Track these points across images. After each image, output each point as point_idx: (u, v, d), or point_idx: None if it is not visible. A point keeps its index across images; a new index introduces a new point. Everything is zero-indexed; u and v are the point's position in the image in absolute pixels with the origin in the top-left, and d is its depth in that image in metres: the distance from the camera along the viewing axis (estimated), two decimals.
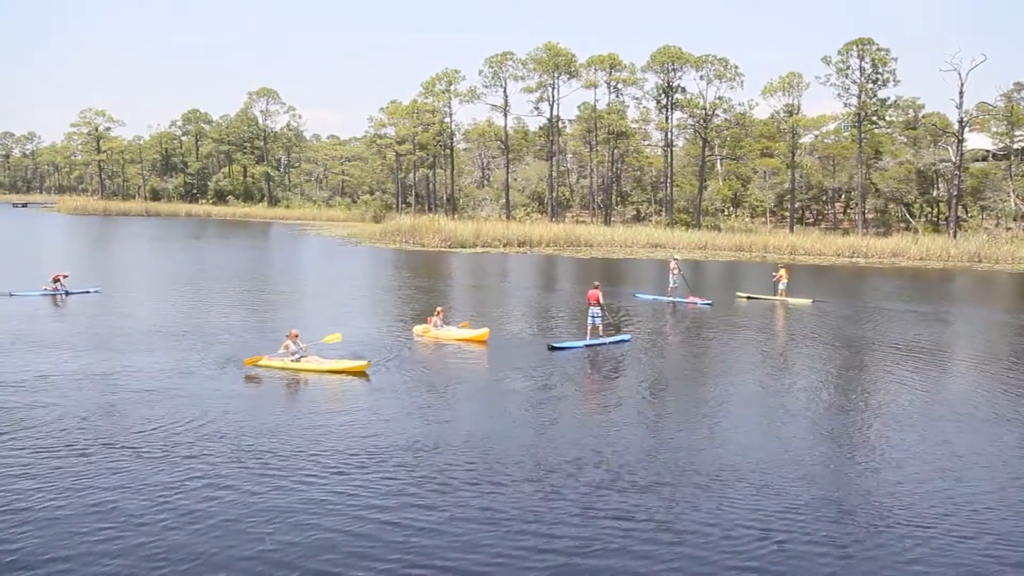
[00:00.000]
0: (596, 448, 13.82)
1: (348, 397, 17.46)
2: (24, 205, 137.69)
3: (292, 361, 19.49)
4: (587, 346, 23.00)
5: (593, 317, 23.55)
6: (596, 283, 24.64)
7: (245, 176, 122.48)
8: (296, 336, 19.89)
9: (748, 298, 34.55)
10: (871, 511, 11.36)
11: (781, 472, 12.81)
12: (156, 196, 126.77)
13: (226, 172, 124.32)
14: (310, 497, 11.40)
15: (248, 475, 12.26)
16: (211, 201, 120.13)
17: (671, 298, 33.31)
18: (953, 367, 22.67)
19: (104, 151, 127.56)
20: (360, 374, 19.08)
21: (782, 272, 34.77)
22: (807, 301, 33.35)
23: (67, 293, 31.93)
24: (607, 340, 23.48)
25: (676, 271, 34.10)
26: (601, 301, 23.71)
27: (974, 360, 23.39)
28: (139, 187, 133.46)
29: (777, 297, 33.98)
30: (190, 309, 29.66)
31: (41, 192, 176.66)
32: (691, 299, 32.61)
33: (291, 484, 11.92)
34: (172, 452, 13.25)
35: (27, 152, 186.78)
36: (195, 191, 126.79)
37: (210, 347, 21.94)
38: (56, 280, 32.37)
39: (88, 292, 32.49)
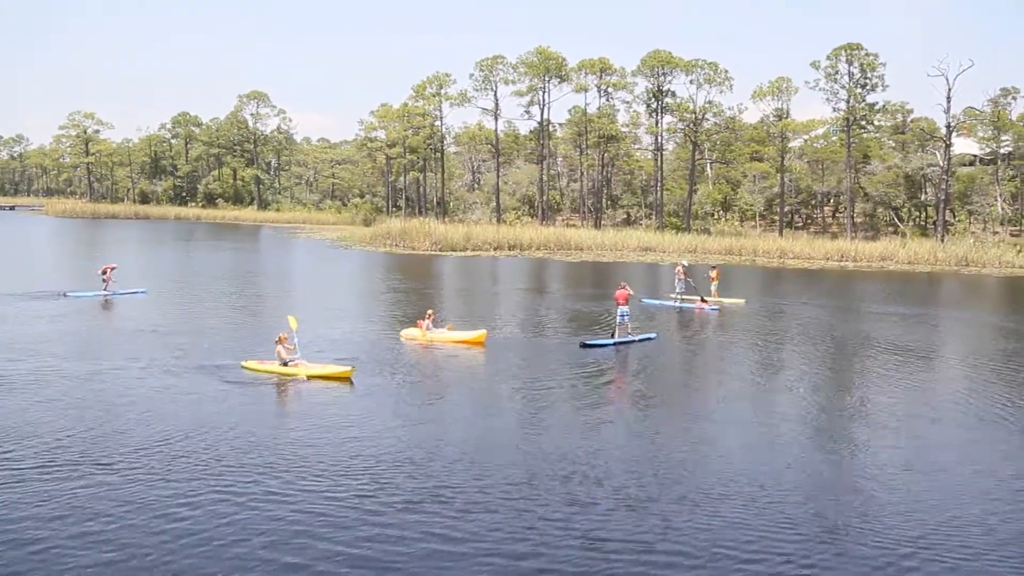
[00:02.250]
0: (586, 461, 13.48)
1: (342, 405, 17.25)
2: (12, 208, 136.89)
3: (281, 365, 19.45)
4: (617, 344, 23.88)
5: (622, 316, 24.38)
6: (624, 283, 25.47)
7: (235, 179, 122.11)
8: (285, 339, 19.86)
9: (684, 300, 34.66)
10: (867, 533, 10.97)
11: (772, 486, 12.48)
12: (145, 199, 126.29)
13: (216, 175, 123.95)
14: (291, 515, 10.99)
15: (229, 489, 12.00)
16: (201, 204, 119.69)
17: (677, 304, 33.15)
18: (946, 371, 22.86)
19: (93, 154, 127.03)
20: (345, 380, 18.88)
21: (714, 272, 35.23)
22: (740, 301, 33.84)
23: (115, 294, 32.76)
24: (635, 338, 24.42)
25: (683, 276, 33.72)
26: (629, 301, 24.69)
27: (967, 364, 23.56)
28: (128, 190, 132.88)
29: (711, 298, 34.20)
30: (220, 311, 30.32)
31: (29, 195, 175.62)
32: (698, 304, 32.56)
33: (273, 498, 11.66)
34: (145, 463, 13.07)
35: (15, 154, 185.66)
36: (184, 194, 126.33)
37: (222, 349, 22.12)
38: (104, 272, 33.14)
39: (136, 293, 33.45)
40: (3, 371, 19.01)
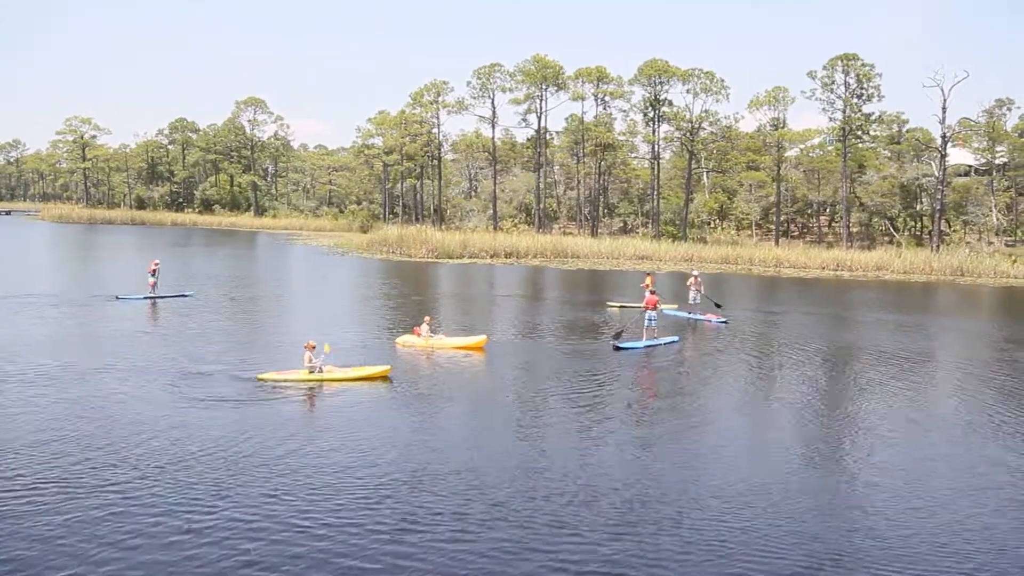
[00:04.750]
0: (579, 479, 13.15)
1: (341, 416, 17.22)
2: (8, 213, 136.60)
3: (310, 373, 19.52)
4: (646, 346, 25.46)
5: (649, 320, 26.15)
6: (653, 290, 27.33)
7: (232, 185, 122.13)
8: (313, 347, 19.93)
9: (620, 307, 34.60)
10: (862, 557, 10.73)
11: (766, 505, 12.20)
12: (142, 205, 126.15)
13: (213, 181, 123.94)
14: (255, 541, 10.66)
15: (248, 498, 12.00)
16: (197, 210, 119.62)
17: (690, 314, 32.54)
18: (942, 381, 22.93)
19: (89, 159, 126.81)
20: (383, 379, 19.61)
21: (648, 280, 35.33)
22: (672, 306, 34.15)
23: (162, 296, 34.25)
24: (661, 340, 26.05)
25: (697, 286, 33.32)
26: (658, 307, 26.44)
27: (963, 373, 23.64)
28: (124, 195, 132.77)
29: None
30: (258, 317, 31.39)
31: (25, 200, 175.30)
32: (708, 316, 32.01)
33: (247, 521, 11.40)
34: (153, 471, 13.21)
35: (11, 160, 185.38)
36: (181, 200, 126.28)
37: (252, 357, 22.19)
38: (153, 272, 34.78)
39: (183, 296, 35.06)
40: (53, 372, 19.77)
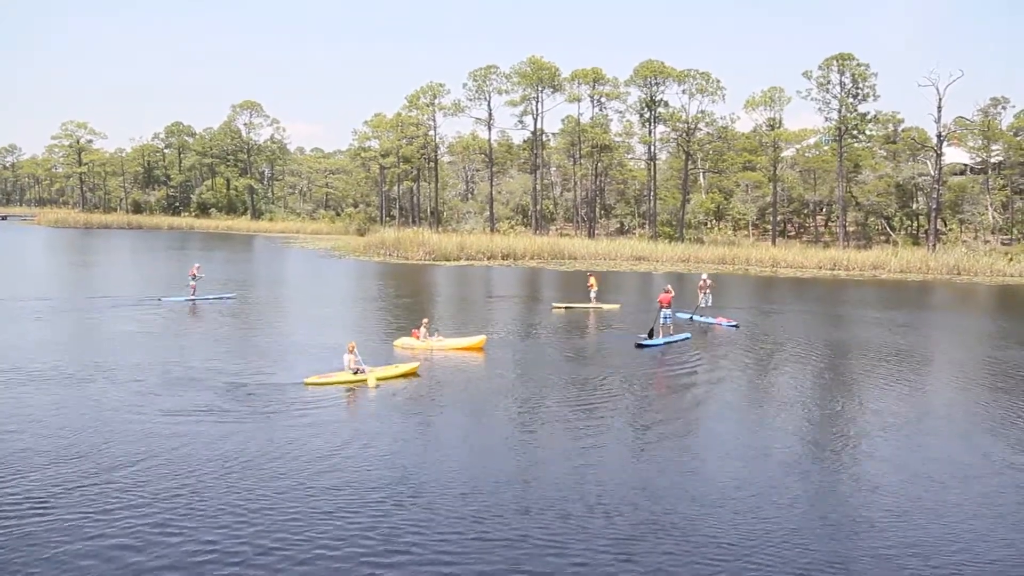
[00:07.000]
0: (574, 487, 12.83)
1: (346, 420, 17.25)
2: (4, 218, 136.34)
3: (354, 374, 19.80)
4: (665, 343, 26.00)
5: (664, 318, 26.48)
6: (668, 288, 27.57)
7: (228, 189, 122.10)
8: (354, 348, 20.15)
9: (566, 308, 34.68)
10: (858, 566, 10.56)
11: (762, 513, 11.92)
12: (138, 209, 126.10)
13: (209, 185, 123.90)
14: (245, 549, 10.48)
15: (268, 502, 11.92)
16: (194, 214, 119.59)
17: (700, 317, 31.93)
18: (938, 379, 22.99)
19: (86, 164, 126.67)
20: (412, 375, 20.37)
21: (592, 280, 35.82)
22: (615, 306, 34.69)
23: (204, 298, 35.00)
24: (676, 338, 26.56)
25: (707, 289, 32.81)
26: (672, 305, 26.83)
27: (959, 372, 23.71)
28: (121, 200, 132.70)
29: (591, 305, 34.64)
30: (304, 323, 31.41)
31: (21, 205, 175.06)
32: (719, 319, 31.48)
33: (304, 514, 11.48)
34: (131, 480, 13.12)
35: (7, 164, 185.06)
36: (178, 204, 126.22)
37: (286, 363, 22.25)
38: (194, 276, 35.41)
39: (223, 299, 35.73)
40: (107, 372, 20.24)
